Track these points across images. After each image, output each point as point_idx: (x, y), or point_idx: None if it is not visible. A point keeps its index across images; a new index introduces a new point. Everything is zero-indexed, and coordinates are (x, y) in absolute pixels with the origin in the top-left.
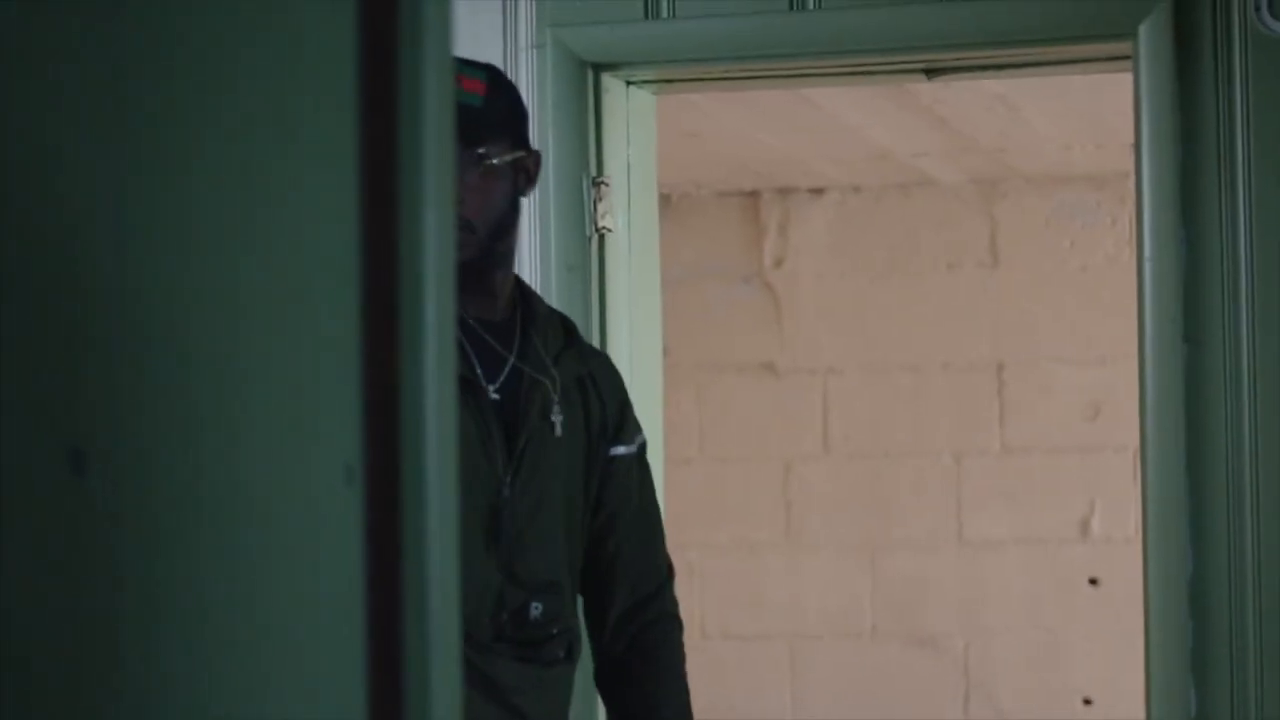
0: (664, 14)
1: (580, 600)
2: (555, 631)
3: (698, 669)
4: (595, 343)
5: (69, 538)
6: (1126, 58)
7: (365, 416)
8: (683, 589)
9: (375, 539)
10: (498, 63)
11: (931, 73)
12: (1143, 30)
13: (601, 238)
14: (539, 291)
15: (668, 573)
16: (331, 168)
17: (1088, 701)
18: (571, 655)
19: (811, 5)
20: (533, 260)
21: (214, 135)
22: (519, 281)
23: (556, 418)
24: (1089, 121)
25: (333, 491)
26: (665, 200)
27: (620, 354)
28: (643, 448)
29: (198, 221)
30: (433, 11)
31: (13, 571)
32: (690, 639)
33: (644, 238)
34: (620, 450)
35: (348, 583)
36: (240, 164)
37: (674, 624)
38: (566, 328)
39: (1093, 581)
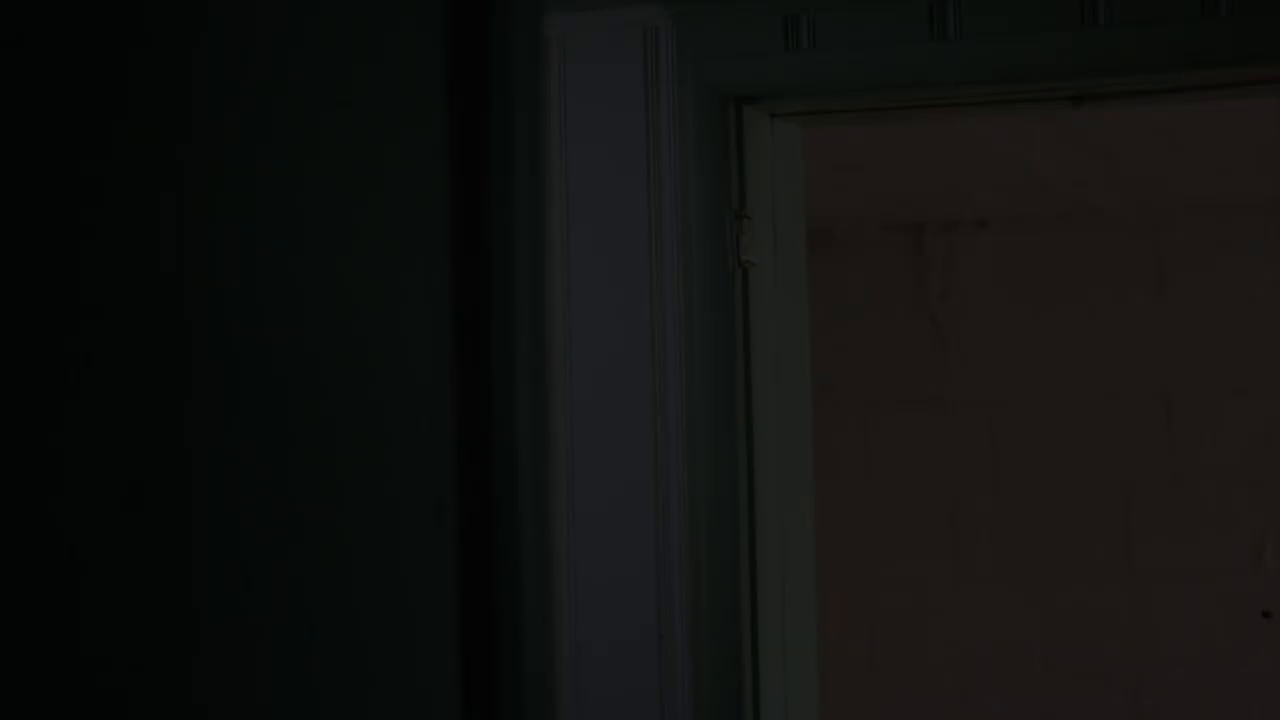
0: (804, 45)
1: None
2: None
3: (870, 703)
4: (739, 376)
5: (134, 576)
6: (1275, 81)
7: (457, 451)
8: (852, 622)
9: (467, 575)
10: (638, 96)
11: (1078, 100)
12: None
13: (745, 271)
14: (682, 325)
15: None
16: (423, 203)
17: None
18: None
19: (952, 34)
20: (676, 294)
21: (306, 181)
22: None
23: None
24: (1250, 148)
25: (424, 527)
26: (829, 234)
27: (766, 388)
28: None
29: (289, 256)
30: (523, 47)
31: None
32: (860, 673)
33: (791, 271)
34: None
35: (440, 619)
36: (331, 203)
37: None
38: None
39: (1266, 614)
